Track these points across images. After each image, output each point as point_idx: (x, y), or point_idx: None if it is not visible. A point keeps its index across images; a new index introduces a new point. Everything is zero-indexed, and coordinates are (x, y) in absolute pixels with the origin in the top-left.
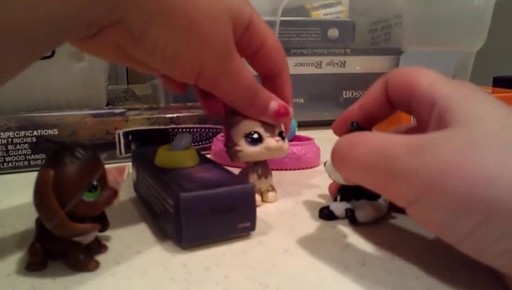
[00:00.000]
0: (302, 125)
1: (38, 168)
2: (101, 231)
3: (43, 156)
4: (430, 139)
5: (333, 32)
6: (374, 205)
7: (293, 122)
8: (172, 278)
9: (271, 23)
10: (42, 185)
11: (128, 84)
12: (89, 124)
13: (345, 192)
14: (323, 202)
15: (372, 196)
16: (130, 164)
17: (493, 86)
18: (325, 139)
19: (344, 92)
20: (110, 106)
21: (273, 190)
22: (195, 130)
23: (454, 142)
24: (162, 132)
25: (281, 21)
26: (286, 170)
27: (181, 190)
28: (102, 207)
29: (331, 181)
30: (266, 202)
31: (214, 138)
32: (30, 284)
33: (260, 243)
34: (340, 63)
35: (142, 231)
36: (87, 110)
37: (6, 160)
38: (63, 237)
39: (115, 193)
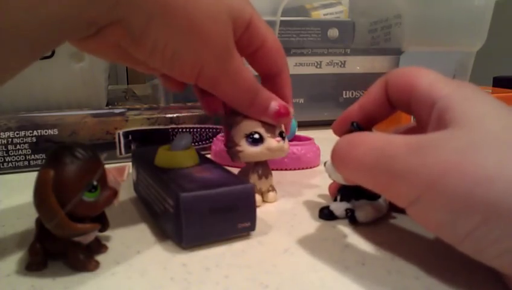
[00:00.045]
0: (302, 125)
1: (38, 168)
2: (101, 231)
3: (43, 156)
4: (430, 139)
5: (333, 32)
6: (374, 205)
7: (293, 122)
8: (172, 278)
9: (271, 23)
10: (42, 185)
11: (128, 84)
12: (89, 124)
13: (345, 192)
14: (323, 202)
15: (372, 196)
16: (130, 164)
17: (493, 86)
18: (325, 139)
19: (344, 92)
20: (110, 106)
21: (273, 190)
22: (195, 130)
23: (454, 142)
24: (162, 132)
25: (281, 21)
26: (286, 170)
27: (181, 190)
28: (102, 207)
29: (331, 181)
30: (266, 202)
31: (214, 138)
32: (30, 284)
33: (260, 243)
34: (340, 63)
35: (142, 231)
36: (87, 110)
37: (6, 160)
38: (63, 237)
39: (115, 193)
